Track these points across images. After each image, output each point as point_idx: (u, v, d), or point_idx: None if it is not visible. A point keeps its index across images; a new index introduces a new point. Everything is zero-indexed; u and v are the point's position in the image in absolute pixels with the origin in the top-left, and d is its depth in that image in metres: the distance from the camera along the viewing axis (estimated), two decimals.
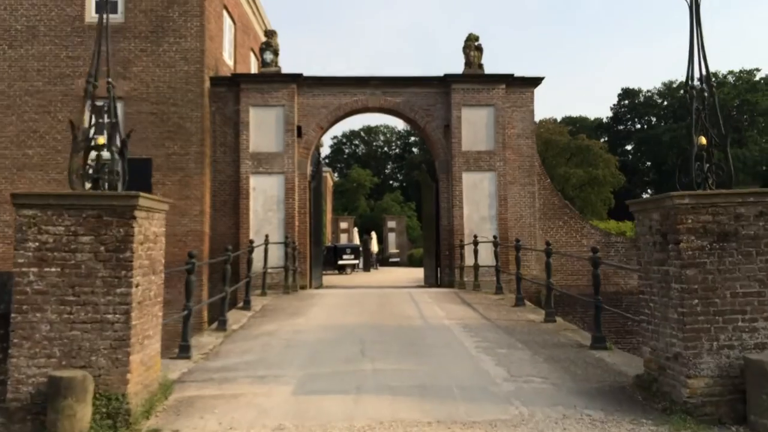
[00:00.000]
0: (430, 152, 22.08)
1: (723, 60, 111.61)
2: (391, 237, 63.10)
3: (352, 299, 15.41)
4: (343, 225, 60.45)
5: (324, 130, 21.17)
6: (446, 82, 20.68)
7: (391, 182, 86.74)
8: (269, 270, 19.20)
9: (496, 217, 20.44)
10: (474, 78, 20.67)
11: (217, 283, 20.28)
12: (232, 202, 20.53)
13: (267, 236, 16.97)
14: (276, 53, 20.79)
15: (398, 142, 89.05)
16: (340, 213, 68.00)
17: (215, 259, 19.13)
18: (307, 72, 20.79)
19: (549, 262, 13.15)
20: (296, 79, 20.44)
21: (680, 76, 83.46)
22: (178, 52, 19.81)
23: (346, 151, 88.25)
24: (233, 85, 20.53)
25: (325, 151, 77.06)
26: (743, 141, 69.71)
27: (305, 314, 13.00)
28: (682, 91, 63.71)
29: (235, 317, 12.70)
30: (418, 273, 36.48)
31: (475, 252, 17.82)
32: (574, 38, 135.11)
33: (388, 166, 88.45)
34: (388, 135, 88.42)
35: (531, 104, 21.08)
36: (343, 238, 58.50)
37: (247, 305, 13.81)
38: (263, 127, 20.41)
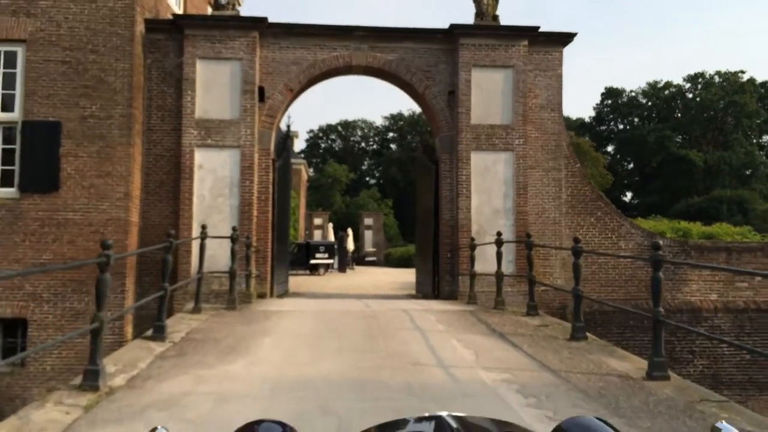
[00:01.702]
0: (428, 126, 16.85)
1: (710, 60, 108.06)
2: (368, 235, 57.83)
3: (325, 321, 10.15)
4: (318, 221, 55.04)
5: (294, 94, 15.85)
6: (452, 35, 15.51)
7: (367, 179, 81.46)
8: (214, 274, 13.89)
9: (513, 210, 15.33)
10: (488, 30, 15.52)
11: (149, 288, 14.92)
12: (170, 183, 15.14)
13: (203, 228, 11.53)
14: None
15: (376, 138, 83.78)
16: (315, 209, 62.64)
17: (144, 249, 13.87)
18: (274, 18, 15.49)
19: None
20: (259, 25, 15.11)
21: (665, 77, 79.53)
22: None
23: (322, 145, 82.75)
24: (176, 31, 15.13)
25: (300, 144, 71.54)
26: (728, 143, 65.76)
27: (249, 353, 7.71)
28: (666, 92, 59.40)
29: (132, 356, 7.40)
30: (400, 275, 31.25)
31: (498, 255, 12.61)
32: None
33: (365, 163, 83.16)
34: (365, 130, 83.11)
35: (559, 67, 15.99)
36: (317, 235, 53.14)
37: (159, 332, 8.46)
38: (214, 86, 15.05)
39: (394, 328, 9.43)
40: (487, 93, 15.44)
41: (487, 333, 9.19)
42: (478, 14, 15.78)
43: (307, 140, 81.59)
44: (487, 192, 15.32)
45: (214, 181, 14.91)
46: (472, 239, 13.93)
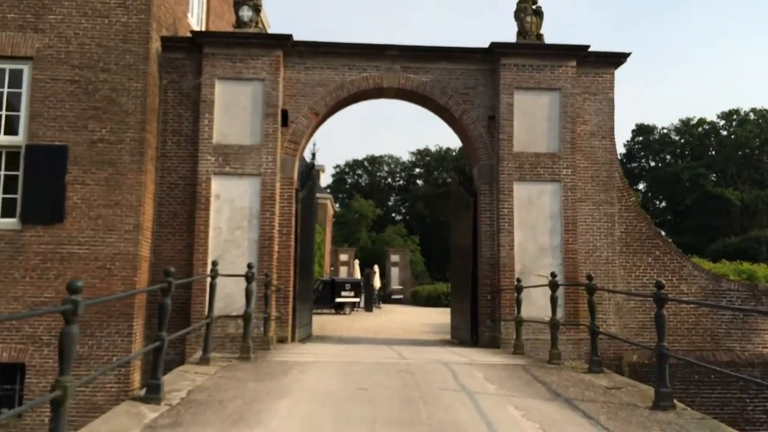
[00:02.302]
0: (460, 159, 15.31)
1: (745, 97, 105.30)
2: (394, 272, 56.09)
3: (353, 376, 8.48)
4: (343, 257, 53.52)
5: (320, 119, 14.43)
6: (493, 54, 14.04)
7: (393, 215, 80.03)
8: (230, 316, 12.38)
9: (561, 248, 13.61)
10: (533, 49, 14.02)
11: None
12: (185, 214, 13.72)
13: (214, 265, 9.92)
14: (257, 9, 14.16)
15: (402, 174, 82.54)
16: (341, 244, 61.21)
17: (142, 290, 12.42)
18: (300, 36, 14.17)
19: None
20: (283, 43, 13.80)
21: (699, 113, 77.27)
22: None
23: (349, 180, 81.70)
24: (195, 50, 13.86)
25: (326, 179, 70.53)
26: (765, 182, 63.24)
27: (259, 423, 6.07)
28: (700, 129, 57.42)
29: (112, 428, 5.82)
30: (430, 316, 29.43)
31: (554, 301, 10.81)
32: None
33: (391, 198, 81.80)
34: (392, 165, 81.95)
35: (610, 91, 14.39)
36: (343, 272, 51.55)
37: (153, 392, 6.85)
38: (234, 109, 13.71)
39: (436, 388, 7.73)
40: (532, 118, 13.88)
41: (549, 397, 7.44)
42: (521, 33, 14.31)
43: (333, 175, 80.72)
44: (532, 227, 13.66)
45: (231, 213, 13.45)
46: (518, 280, 12.22)
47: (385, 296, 49.79)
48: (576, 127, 13.94)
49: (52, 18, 13.06)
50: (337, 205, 69.80)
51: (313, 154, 15.74)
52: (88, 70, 13.08)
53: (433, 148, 79.55)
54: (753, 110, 64.13)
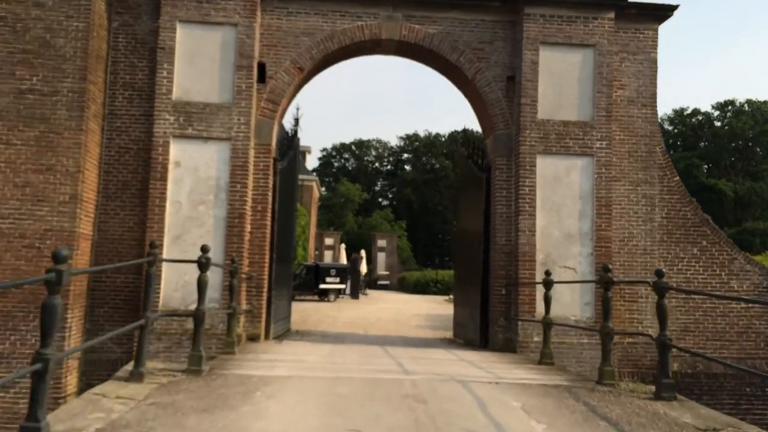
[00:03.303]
0: (479, 124, 12.75)
1: (740, 88, 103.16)
2: (381, 257, 53.66)
3: (342, 408, 5.93)
4: (329, 241, 50.96)
5: (304, 75, 11.81)
6: (514, 2, 11.46)
7: (380, 200, 77.48)
8: (190, 309, 9.87)
9: (592, 235, 11.15)
10: None
11: (104, 324, 10.86)
12: (137, 184, 11.11)
13: (152, 247, 7.12)
14: None
15: (390, 158, 79.86)
16: (326, 228, 58.64)
17: (94, 269, 9.88)
18: None
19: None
20: None
21: (692, 104, 74.63)
22: None
23: (335, 164, 78.88)
24: None
25: (312, 162, 67.63)
26: (758, 174, 61.33)
27: None
28: (693, 119, 55.16)
29: None
30: (421, 305, 26.93)
31: (605, 303, 8.07)
32: None
33: (379, 183, 79.16)
34: (380, 150, 79.22)
35: (653, 50, 11.88)
36: (328, 256, 49.02)
37: None
38: (199, 59, 11.06)
39: (461, 429, 5.25)
40: (560, 79, 11.37)
41: None
42: None
43: (319, 158, 77.91)
44: (558, 210, 11.18)
45: (194, 184, 10.85)
46: (548, 273, 9.71)
47: (371, 282, 47.36)
48: (612, 91, 11.43)
49: None
50: (324, 189, 67.06)
51: (296, 120, 13.10)
52: (16, 5, 10.37)
53: (422, 133, 76.98)
54: (748, 101, 62.04)
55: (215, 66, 11.06)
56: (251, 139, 11.06)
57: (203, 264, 7.31)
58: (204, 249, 7.47)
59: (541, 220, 11.13)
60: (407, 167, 77.20)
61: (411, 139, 77.19)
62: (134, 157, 11.15)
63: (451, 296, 36.97)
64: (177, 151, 10.87)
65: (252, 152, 11.14)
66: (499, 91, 11.63)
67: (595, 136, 11.23)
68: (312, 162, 65.53)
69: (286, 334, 12.59)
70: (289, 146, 12.66)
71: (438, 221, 71.44)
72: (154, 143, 10.81)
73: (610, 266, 8.02)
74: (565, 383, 7.41)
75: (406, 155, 78.40)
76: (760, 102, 62.01)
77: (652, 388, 7.34)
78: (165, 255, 10.62)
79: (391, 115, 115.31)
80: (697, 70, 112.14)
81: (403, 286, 47.19)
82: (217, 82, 11.04)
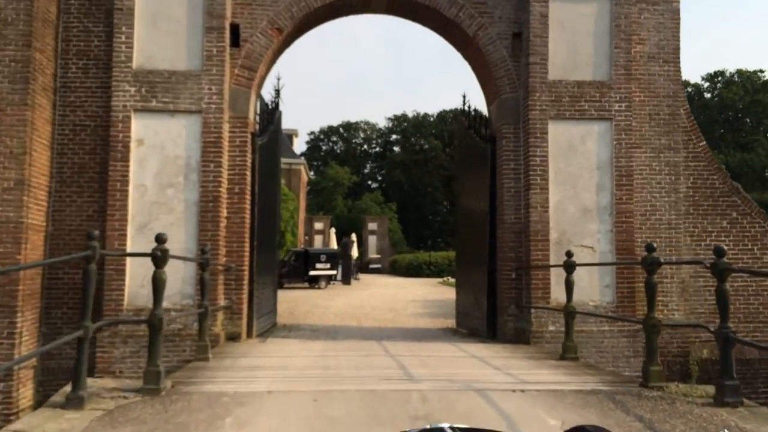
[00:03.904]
0: (482, 90, 11.32)
1: (728, 59, 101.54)
2: (372, 240, 52.28)
3: None
4: (318, 225, 49.53)
5: (284, 37, 10.35)
6: None
7: (370, 182, 75.96)
8: (146, 311, 8.47)
9: (611, 210, 9.82)
10: None
11: (62, 327, 9.48)
12: (96, 167, 9.67)
13: (90, 239, 5.57)
14: None
15: (379, 140, 78.18)
16: (315, 213, 57.21)
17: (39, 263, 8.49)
18: None
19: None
20: None
21: (682, 75, 72.84)
22: None
23: (323, 147, 77.19)
24: None
25: (300, 146, 65.96)
26: (749, 145, 60.30)
27: None
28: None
29: None
30: (416, 289, 25.59)
31: (649, 289, 6.73)
32: None
33: (368, 165, 77.60)
34: (368, 132, 77.53)
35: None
36: (318, 241, 47.66)
37: None
38: (163, 21, 9.57)
39: None
40: (573, 34, 9.97)
41: None
42: None
43: (307, 142, 76.15)
44: (573, 182, 9.84)
45: (161, 165, 9.42)
46: (569, 254, 8.37)
47: (363, 266, 46.08)
48: (631, 47, 10.05)
49: None
50: (312, 173, 65.48)
51: (277, 91, 11.61)
52: None
53: (410, 114, 75.39)
54: (738, 71, 60.85)
55: (181, 28, 9.58)
56: (225, 111, 9.62)
57: (158, 257, 5.89)
58: (160, 239, 6.03)
59: (554, 195, 9.79)
60: (396, 149, 75.62)
61: (399, 120, 75.57)
62: (92, 135, 9.70)
63: (446, 279, 35.77)
64: (140, 126, 9.41)
65: (226, 126, 9.71)
66: (504, 49, 10.23)
67: (614, 98, 9.87)
68: (299, 146, 63.92)
69: (271, 330, 11.25)
70: (270, 120, 11.22)
71: (428, 202, 70.12)
72: (113, 118, 9.34)
73: (654, 245, 6.66)
74: (603, 387, 6.09)
75: (394, 137, 76.78)
76: (750, 72, 60.83)
77: (708, 389, 6.07)
78: (129, 246, 9.24)
79: (379, 97, 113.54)
80: (686, 42, 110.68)
81: (396, 269, 45.93)
82: (184, 47, 9.57)
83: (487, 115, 11.19)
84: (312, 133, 76.97)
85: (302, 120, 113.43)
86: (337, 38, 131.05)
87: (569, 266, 8.13)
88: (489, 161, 10.61)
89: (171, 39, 9.54)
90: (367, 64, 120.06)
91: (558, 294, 9.54)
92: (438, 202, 71.47)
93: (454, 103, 69.37)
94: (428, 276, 38.87)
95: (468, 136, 11.51)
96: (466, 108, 11.58)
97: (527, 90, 9.90)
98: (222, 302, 9.51)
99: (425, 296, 21.18)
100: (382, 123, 79.39)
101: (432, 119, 74.47)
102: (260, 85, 10.65)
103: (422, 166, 70.24)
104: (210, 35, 9.56)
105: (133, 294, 9.27)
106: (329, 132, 77.07)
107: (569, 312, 8.08)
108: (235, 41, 9.90)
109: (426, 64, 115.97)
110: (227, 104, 9.71)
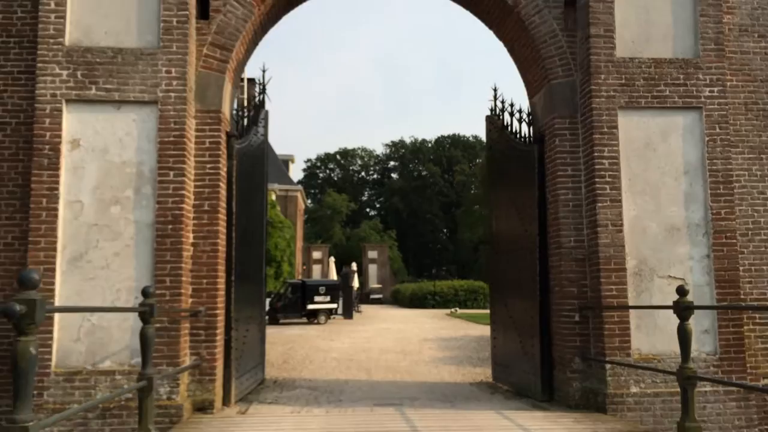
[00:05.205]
0: (522, 77, 8.79)
1: None
2: (372, 269, 49.72)
3: None
4: (317, 254, 46.97)
5: (267, 8, 7.88)
6: None
7: (368, 209, 73.60)
8: (97, 370, 5.82)
9: (706, 228, 7.26)
10: None
11: None
12: (17, 178, 7.11)
13: None
14: None
15: (376, 167, 76.04)
16: (313, 241, 54.67)
17: None
18: None
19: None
20: None
21: None
22: None
23: (321, 175, 74.92)
24: None
25: (296, 174, 63.55)
26: None
27: None
28: None
29: None
30: (425, 323, 22.83)
31: None
32: None
33: (366, 193, 75.30)
34: (365, 159, 75.39)
35: None
36: (316, 271, 45.03)
37: None
38: None
39: None
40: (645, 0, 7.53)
41: None
42: None
43: (304, 170, 73.92)
44: (653, 192, 7.30)
45: (103, 174, 6.85)
46: (682, 291, 5.73)
47: (363, 296, 43.39)
48: (720, 14, 7.60)
49: None
50: (309, 201, 63.02)
51: (263, 86, 9.03)
52: None
53: (408, 140, 73.32)
54: None
55: None
56: (190, 102, 7.10)
57: (15, 315, 3.22)
58: (24, 282, 3.37)
59: (629, 209, 7.24)
60: (394, 175, 73.46)
61: (397, 146, 73.53)
62: (13, 135, 7.16)
63: (454, 310, 33.04)
64: (75, 122, 6.88)
65: (192, 122, 7.18)
66: (554, 21, 7.76)
67: (703, 80, 7.38)
68: (296, 173, 61.54)
69: (257, 390, 8.57)
70: (254, 120, 8.69)
71: (428, 230, 67.68)
72: (38, 112, 6.80)
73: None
74: None
75: (392, 163, 74.75)
76: None
77: None
78: (59, 283, 6.65)
79: (376, 123, 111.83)
80: None
81: (398, 299, 43.24)
82: (134, 18, 7.08)
83: (529, 109, 8.66)
84: (309, 160, 74.90)
85: (298, 147, 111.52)
86: (333, 67, 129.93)
87: (684, 308, 5.49)
88: (536, 167, 8.06)
89: (117, 6, 7.05)
90: (363, 89, 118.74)
91: (640, 343, 7.00)
92: (437, 230, 69.02)
93: (451, 129, 66.86)
94: (433, 307, 36.14)
95: (504, 137, 8.95)
96: (499, 104, 9.05)
97: (588, 71, 7.41)
98: (187, 360, 6.87)
99: (438, 333, 18.49)
100: (379, 149, 77.46)
101: (430, 145, 72.40)
102: (239, 70, 8.14)
103: (421, 193, 67.96)
104: (169, 3, 7.08)
105: (66, 351, 6.65)
106: (326, 159, 74.94)
107: (687, 378, 5.41)
108: (204, 12, 7.42)
109: (422, 90, 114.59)
110: (193, 93, 7.20)
